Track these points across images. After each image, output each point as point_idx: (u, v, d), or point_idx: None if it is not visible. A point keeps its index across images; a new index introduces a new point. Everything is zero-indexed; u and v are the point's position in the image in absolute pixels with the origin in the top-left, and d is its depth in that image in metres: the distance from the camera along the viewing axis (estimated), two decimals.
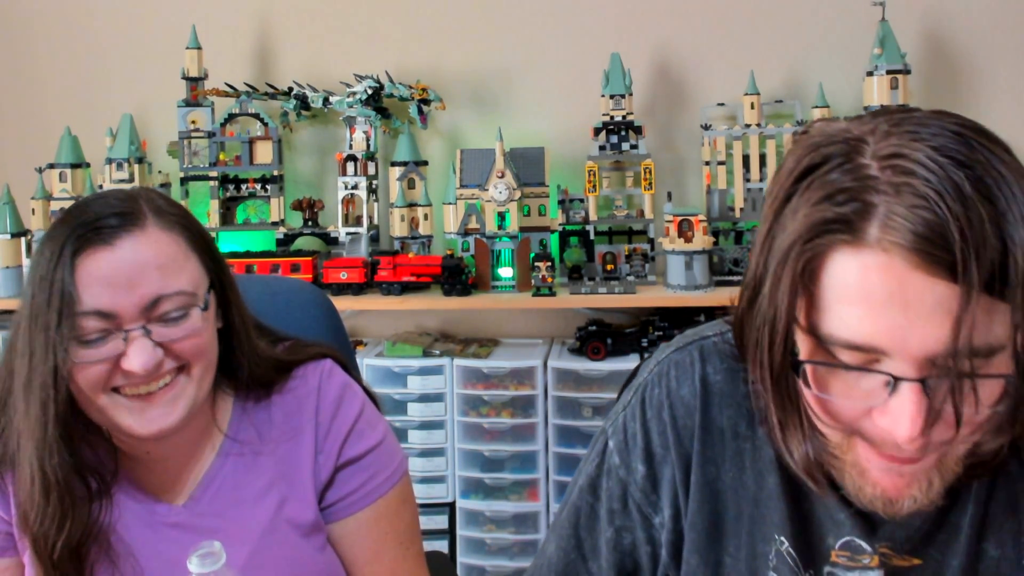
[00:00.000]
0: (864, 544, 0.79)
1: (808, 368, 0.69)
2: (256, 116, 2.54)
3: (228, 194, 2.58)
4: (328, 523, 1.07)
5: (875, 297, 0.63)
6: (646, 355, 2.28)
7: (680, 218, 2.28)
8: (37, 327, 0.89)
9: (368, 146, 2.51)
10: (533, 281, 2.31)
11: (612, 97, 2.40)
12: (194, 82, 2.57)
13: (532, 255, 2.35)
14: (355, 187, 2.49)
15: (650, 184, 2.38)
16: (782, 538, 0.81)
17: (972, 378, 0.63)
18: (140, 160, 2.51)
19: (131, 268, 0.90)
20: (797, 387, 0.72)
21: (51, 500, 0.90)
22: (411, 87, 2.49)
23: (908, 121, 0.67)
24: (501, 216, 2.36)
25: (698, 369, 0.86)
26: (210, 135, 2.54)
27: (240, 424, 1.06)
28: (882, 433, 0.67)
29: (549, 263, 2.28)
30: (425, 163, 2.57)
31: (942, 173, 0.62)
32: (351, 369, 1.15)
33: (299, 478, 1.05)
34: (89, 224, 0.91)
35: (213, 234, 2.53)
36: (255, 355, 1.04)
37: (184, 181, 2.57)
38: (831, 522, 0.80)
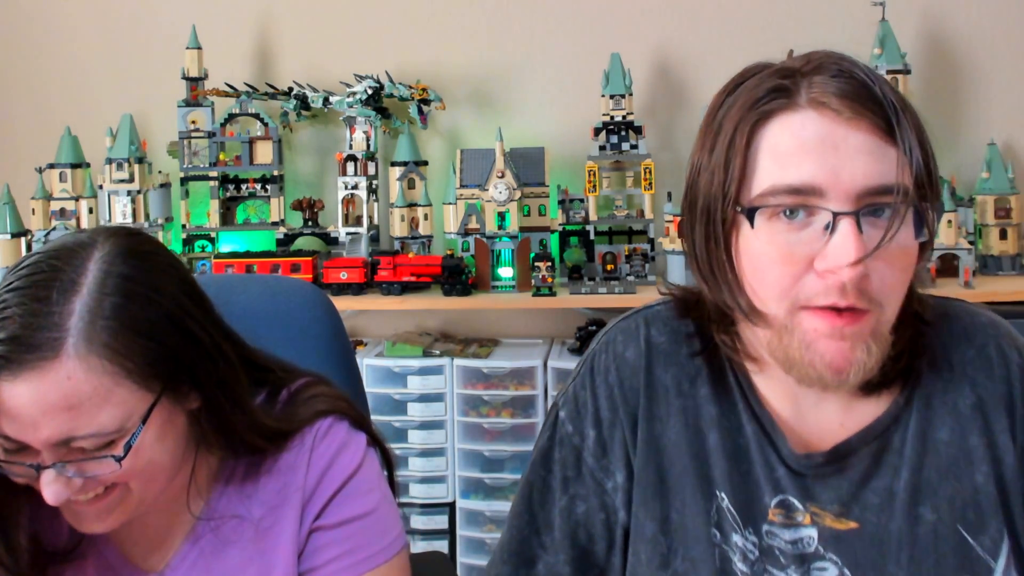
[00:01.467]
0: (796, 502, 0.82)
1: (756, 220, 0.77)
2: (256, 116, 2.54)
3: (228, 194, 2.58)
4: None
5: (810, 143, 0.76)
6: None
7: (680, 218, 2.28)
8: None
9: (368, 146, 2.51)
10: (533, 281, 2.31)
11: (612, 97, 2.40)
12: (194, 82, 2.57)
13: (532, 255, 2.35)
14: (355, 187, 2.49)
15: (650, 184, 2.38)
16: (722, 494, 0.84)
17: (894, 207, 0.74)
18: (140, 160, 2.51)
19: (33, 409, 0.77)
20: (737, 271, 0.81)
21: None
22: (411, 87, 2.49)
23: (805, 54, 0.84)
24: (501, 216, 2.36)
25: (643, 332, 0.91)
26: (210, 135, 2.54)
27: (220, 499, 0.94)
28: (823, 282, 0.75)
29: (549, 263, 2.28)
30: (425, 163, 2.57)
31: (847, 61, 0.79)
32: (365, 420, 1.02)
33: (277, 555, 0.93)
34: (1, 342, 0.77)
35: (212, 235, 2.55)
36: (245, 426, 0.91)
37: (184, 181, 2.57)
38: (769, 480, 0.83)
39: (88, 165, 2.58)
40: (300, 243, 2.50)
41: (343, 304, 2.30)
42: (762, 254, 0.78)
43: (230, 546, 0.93)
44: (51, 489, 0.79)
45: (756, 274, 0.79)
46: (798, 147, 0.76)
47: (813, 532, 0.81)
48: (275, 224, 2.55)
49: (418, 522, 2.35)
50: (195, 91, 2.57)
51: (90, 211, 2.52)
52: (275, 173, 2.55)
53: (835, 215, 0.74)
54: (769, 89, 0.79)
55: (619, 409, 0.89)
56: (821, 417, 0.84)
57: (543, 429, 0.95)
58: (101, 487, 0.83)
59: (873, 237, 0.74)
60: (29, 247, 2.46)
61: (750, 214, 0.77)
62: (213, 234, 2.56)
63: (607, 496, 0.89)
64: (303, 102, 2.54)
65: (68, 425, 0.78)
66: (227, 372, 0.89)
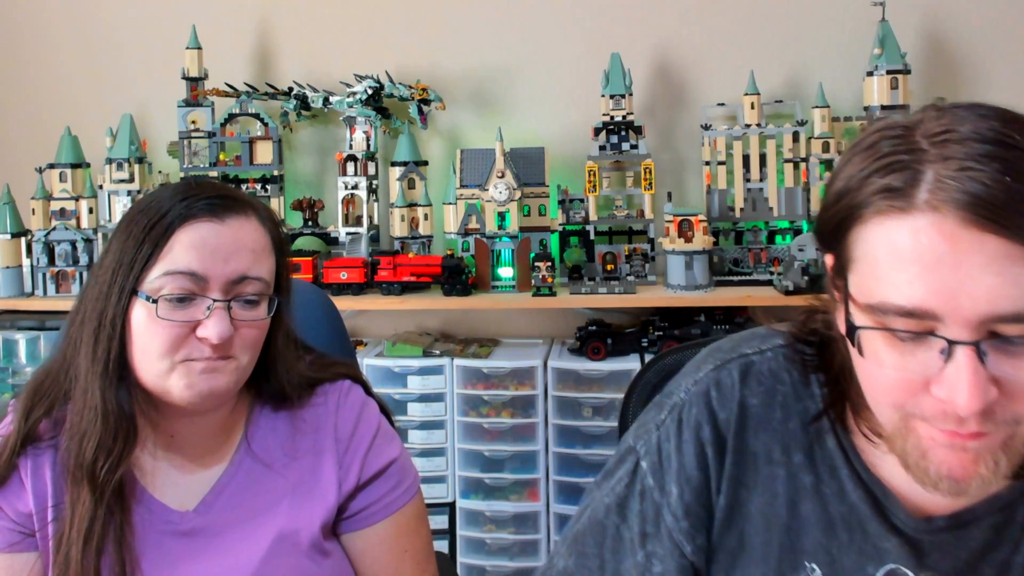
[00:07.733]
0: (907, 572, 0.77)
1: (863, 337, 0.68)
2: (256, 116, 2.54)
3: None
4: (348, 532, 1.09)
5: (926, 258, 0.64)
6: (646, 355, 2.28)
7: (680, 218, 2.28)
8: (120, 271, 0.97)
9: (368, 146, 2.51)
10: (533, 281, 2.31)
11: (612, 97, 2.40)
12: (194, 82, 2.57)
13: (532, 255, 2.35)
14: (355, 187, 2.49)
15: (650, 184, 2.38)
16: (813, 565, 0.80)
17: None
18: (140, 160, 2.51)
19: (232, 243, 0.99)
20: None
21: (107, 425, 0.96)
22: (411, 87, 2.49)
23: (955, 106, 0.70)
24: (501, 216, 2.36)
25: (737, 393, 0.85)
26: (210, 135, 2.54)
27: (255, 432, 1.08)
28: (940, 407, 0.66)
29: (549, 263, 2.28)
30: (425, 163, 2.57)
31: (989, 143, 0.64)
32: (370, 390, 1.18)
33: (314, 496, 1.06)
34: (203, 198, 0.99)
35: None
36: (287, 369, 1.09)
37: None
38: (873, 550, 0.79)
39: (88, 165, 2.58)
40: (300, 243, 2.51)
41: (343, 304, 2.30)
42: (872, 369, 0.69)
43: (260, 487, 1.05)
44: (218, 321, 0.96)
45: (865, 382, 0.72)
46: (911, 259, 0.64)
47: None
48: None
49: None
50: (195, 91, 2.57)
51: (90, 211, 2.52)
52: (275, 173, 2.55)
53: (950, 343, 0.64)
54: (881, 188, 0.67)
55: (710, 469, 0.84)
56: None
57: (620, 471, 0.89)
58: (224, 351, 0.98)
59: (1002, 364, 0.64)
60: (29, 247, 2.47)
61: (852, 332, 0.69)
62: None
63: (685, 560, 0.84)
64: (303, 102, 2.54)
65: (249, 264, 0.99)
66: (289, 322, 1.09)
